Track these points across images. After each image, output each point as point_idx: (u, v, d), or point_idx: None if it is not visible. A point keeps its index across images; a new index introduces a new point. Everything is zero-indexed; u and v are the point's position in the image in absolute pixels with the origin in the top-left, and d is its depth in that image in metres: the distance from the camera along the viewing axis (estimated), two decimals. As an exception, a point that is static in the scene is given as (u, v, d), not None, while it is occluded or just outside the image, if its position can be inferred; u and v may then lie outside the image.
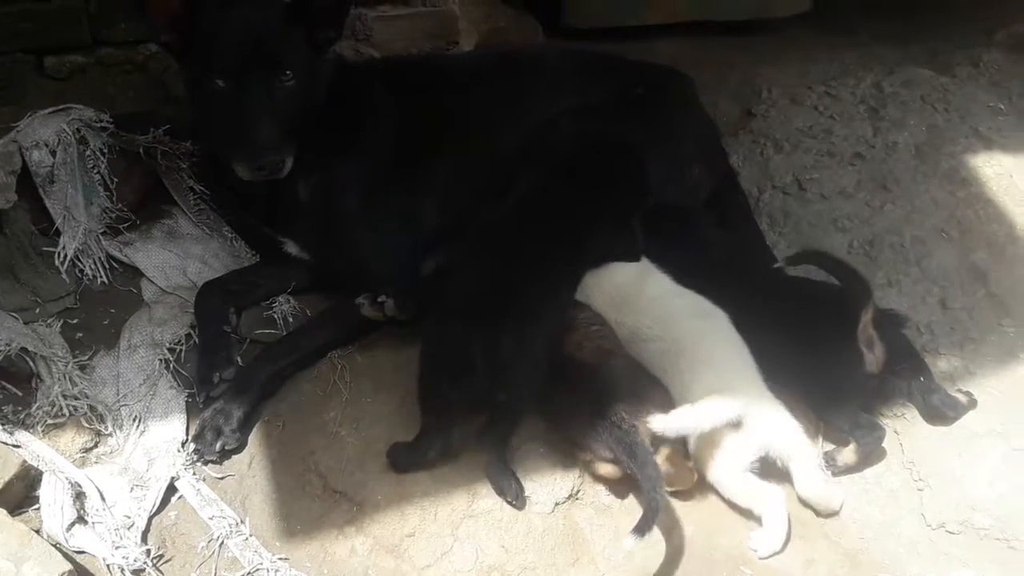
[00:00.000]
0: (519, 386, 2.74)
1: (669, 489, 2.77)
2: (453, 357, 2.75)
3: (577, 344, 2.88)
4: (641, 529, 2.52)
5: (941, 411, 2.96)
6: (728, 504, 2.82)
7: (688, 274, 3.06)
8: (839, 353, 2.90)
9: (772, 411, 2.79)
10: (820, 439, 2.98)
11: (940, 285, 3.30)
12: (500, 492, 2.74)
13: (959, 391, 3.01)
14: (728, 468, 2.77)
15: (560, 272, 2.95)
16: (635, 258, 3.07)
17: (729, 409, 2.72)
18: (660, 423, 2.64)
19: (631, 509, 2.78)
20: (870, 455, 2.89)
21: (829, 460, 2.90)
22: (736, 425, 2.74)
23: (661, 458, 2.73)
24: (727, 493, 2.81)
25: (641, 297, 2.99)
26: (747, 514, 2.79)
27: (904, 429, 2.99)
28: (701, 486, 2.86)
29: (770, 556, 2.72)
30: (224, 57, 2.85)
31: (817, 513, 2.83)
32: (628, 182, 3.14)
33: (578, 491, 2.81)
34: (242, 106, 2.85)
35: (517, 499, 2.72)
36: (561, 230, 2.99)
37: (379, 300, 2.96)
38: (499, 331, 2.71)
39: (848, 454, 2.88)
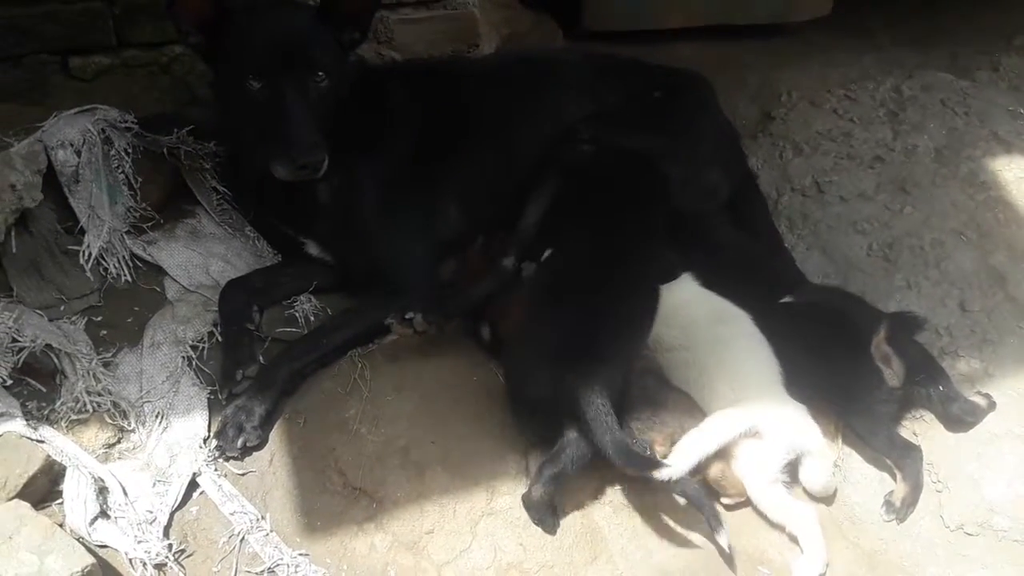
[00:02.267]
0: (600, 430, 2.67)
1: (727, 501, 2.84)
2: (533, 399, 2.77)
3: None
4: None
5: (960, 418, 2.98)
6: (755, 511, 2.85)
7: (705, 279, 3.07)
8: (861, 370, 2.93)
9: (789, 414, 2.80)
10: (839, 440, 2.99)
11: (959, 287, 3.30)
12: (539, 522, 2.74)
13: (978, 393, 3.02)
14: (756, 478, 2.79)
15: (627, 302, 2.93)
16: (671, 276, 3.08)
17: (737, 423, 2.74)
18: (668, 472, 2.63)
19: (649, 508, 2.80)
20: (917, 479, 2.89)
21: (889, 507, 2.89)
22: (754, 435, 2.76)
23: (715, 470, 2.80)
24: (759, 505, 2.83)
25: (666, 305, 2.99)
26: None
27: (923, 431, 3.00)
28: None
29: None
30: (260, 58, 2.88)
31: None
32: (653, 201, 3.18)
33: (596, 490, 2.82)
34: (281, 107, 2.87)
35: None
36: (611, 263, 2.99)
37: (407, 317, 2.96)
38: (583, 376, 2.67)
39: (900, 489, 2.89)
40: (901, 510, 2.87)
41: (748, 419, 2.76)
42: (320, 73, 2.93)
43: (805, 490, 2.88)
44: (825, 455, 2.84)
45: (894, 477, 2.92)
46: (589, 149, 3.27)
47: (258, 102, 2.89)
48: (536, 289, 3.00)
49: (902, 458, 2.86)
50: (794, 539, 2.77)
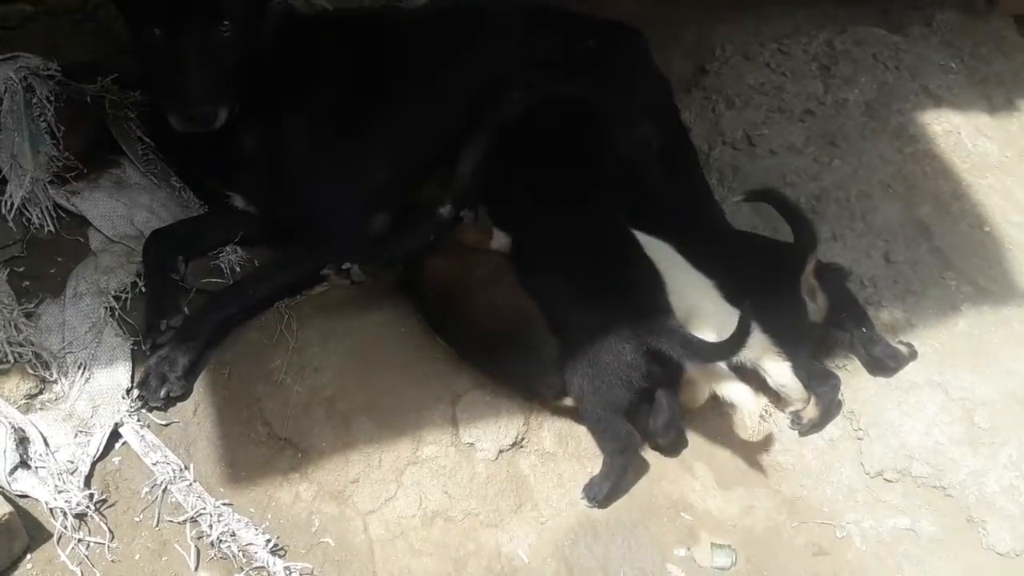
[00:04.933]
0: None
1: None
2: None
3: (493, 307, 2.91)
4: None
5: (883, 362, 3.01)
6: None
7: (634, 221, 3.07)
8: (784, 303, 2.93)
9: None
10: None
11: (884, 239, 3.33)
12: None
13: (900, 343, 3.05)
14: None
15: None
16: None
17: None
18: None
19: (574, 455, 2.84)
20: (830, 406, 2.94)
21: (795, 420, 2.95)
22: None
23: None
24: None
25: None
26: (686, 460, 2.86)
27: (845, 380, 3.02)
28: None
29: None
30: (160, 6, 2.81)
31: (792, 404, 2.93)
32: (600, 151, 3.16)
33: (522, 439, 2.84)
34: (176, 56, 2.81)
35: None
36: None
37: (344, 268, 2.96)
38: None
39: (811, 410, 2.93)
40: (804, 427, 2.94)
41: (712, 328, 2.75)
42: (224, 22, 2.85)
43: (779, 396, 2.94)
44: (778, 352, 2.81)
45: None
46: (522, 95, 3.24)
47: (158, 50, 2.84)
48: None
49: (820, 385, 2.91)
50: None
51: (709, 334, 2.69)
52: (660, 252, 2.92)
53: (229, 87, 2.91)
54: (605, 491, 2.74)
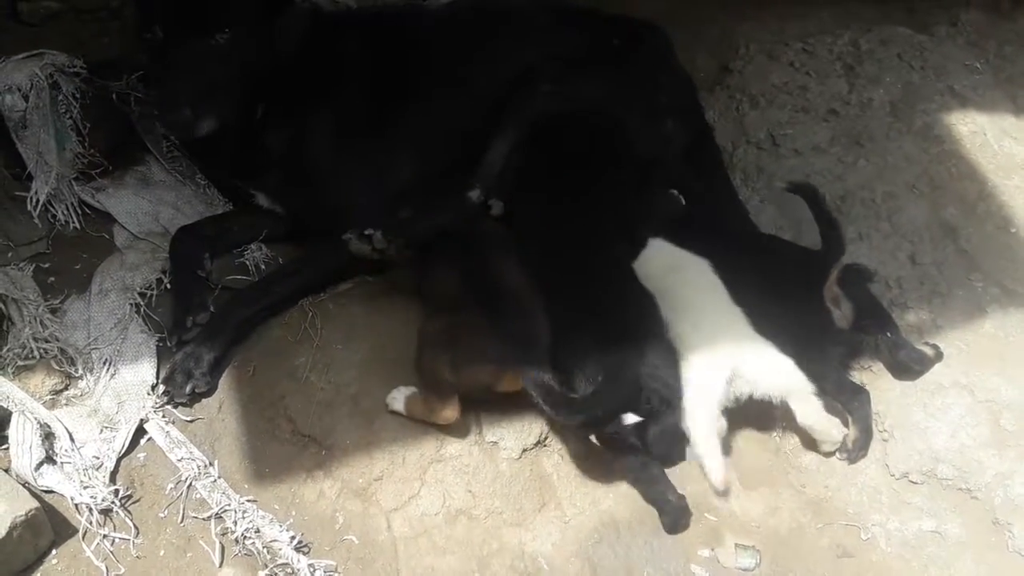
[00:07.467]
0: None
1: None
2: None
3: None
4: None
5: (908, 365, 2.99)
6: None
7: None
8: (811, 310, 2.93)
9: (762, 353, 2.80)
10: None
11: (910, 240, 3.31)
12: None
13: (926, 344, 3.02)
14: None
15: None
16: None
17: (721, 372, 2.74)
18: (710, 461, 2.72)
19: (597, 455, 2.81)
20: (867, 422, 2.91)
21: (842, 449, 2.92)
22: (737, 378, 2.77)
23: None
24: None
25: None
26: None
27: (870, 381, 3.01)
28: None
29: None
30: (161, 10, 2.82)
31: (820, 445, 2.90)
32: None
33: (546, 438, 2.84)
34: (166, 61, 2.83)
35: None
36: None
37: (366, 233, 2.95)
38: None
39: (852, 432, 2.90)
40: (853, 452, 2.90)
41: (726, 365, 2.74)
42: (224, 30, 2.84)
43: (808, 433, 2.90)
44: (809, 391, 2.81)
45: (845, 423, 2.93)
46: (550, 88, 3.24)
47: (156, 52, 2.86)
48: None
49: (851, 401, 2.88)
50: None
51: (750, 366, 2.73)
52: (697, 273, 2.93)
53: (222, 96, 2.91)
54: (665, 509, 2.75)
